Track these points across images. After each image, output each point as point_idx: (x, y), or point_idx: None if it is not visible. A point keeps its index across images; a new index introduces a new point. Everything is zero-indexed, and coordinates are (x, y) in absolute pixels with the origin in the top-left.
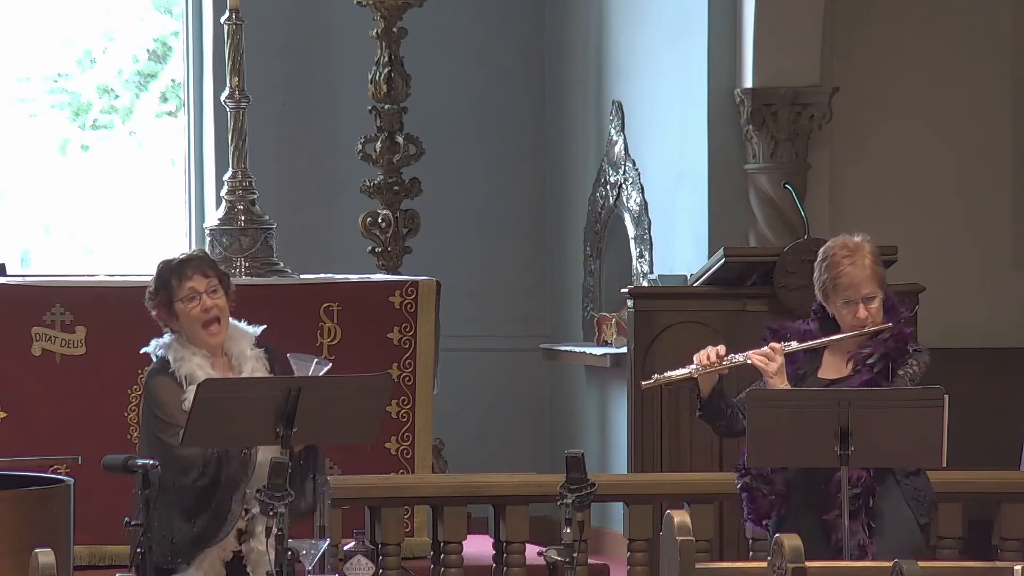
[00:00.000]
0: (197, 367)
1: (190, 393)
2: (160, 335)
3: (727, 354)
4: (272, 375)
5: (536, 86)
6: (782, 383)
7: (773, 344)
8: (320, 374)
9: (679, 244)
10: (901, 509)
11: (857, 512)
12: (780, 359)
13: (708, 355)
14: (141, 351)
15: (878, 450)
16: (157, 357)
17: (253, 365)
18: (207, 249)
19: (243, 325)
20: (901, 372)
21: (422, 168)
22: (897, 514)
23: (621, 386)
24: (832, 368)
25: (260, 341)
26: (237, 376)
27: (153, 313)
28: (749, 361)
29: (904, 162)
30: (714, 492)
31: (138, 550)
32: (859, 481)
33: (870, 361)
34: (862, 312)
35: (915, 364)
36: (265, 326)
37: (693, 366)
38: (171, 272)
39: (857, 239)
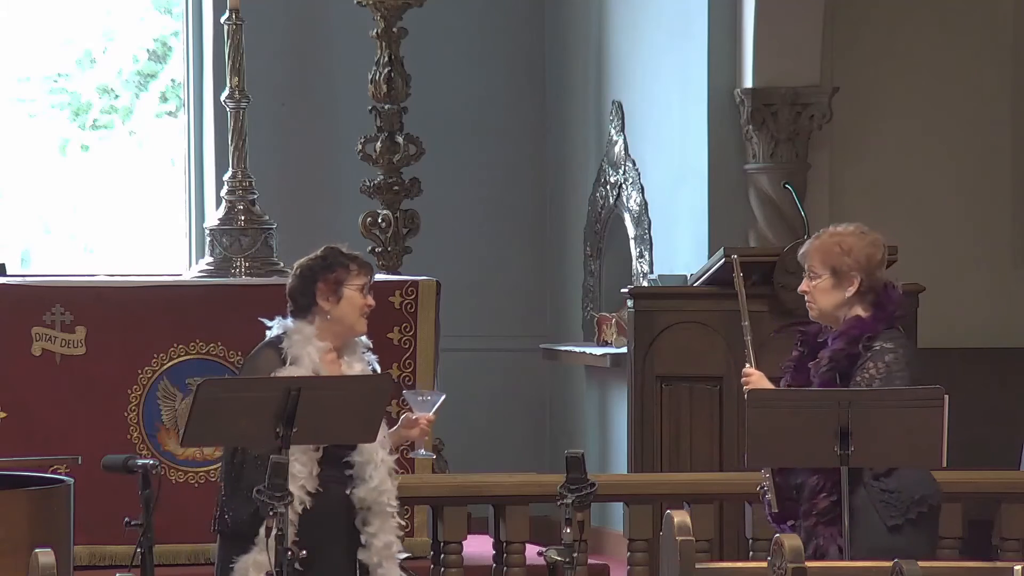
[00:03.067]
0: (307, 354)
1: (290, 372)
2: (164, 336)
3: None
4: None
5: (536, 86)
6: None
7: (744, 372)
8: (437, 405)
9: (679, 244)
10: (867, 512)
11: (832, 520)
12: (755, 372)
13: None
14: (266, 330)
15: (878, 450)
16: (274, 333)
17: (362, 367)
18: (207, 249)
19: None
20: (858, 379)
21: (422, 168)
22: (863, 517)
23: (621, 386)
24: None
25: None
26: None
27: (317, 285)
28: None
29: (904, 162)
30: (714, 492)
31: (138, 550)
32: (831, 487)
33: (820, 366)
34: (803, 285)
35: (872, 367)
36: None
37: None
38: (352, 258)
39: (849, 226)
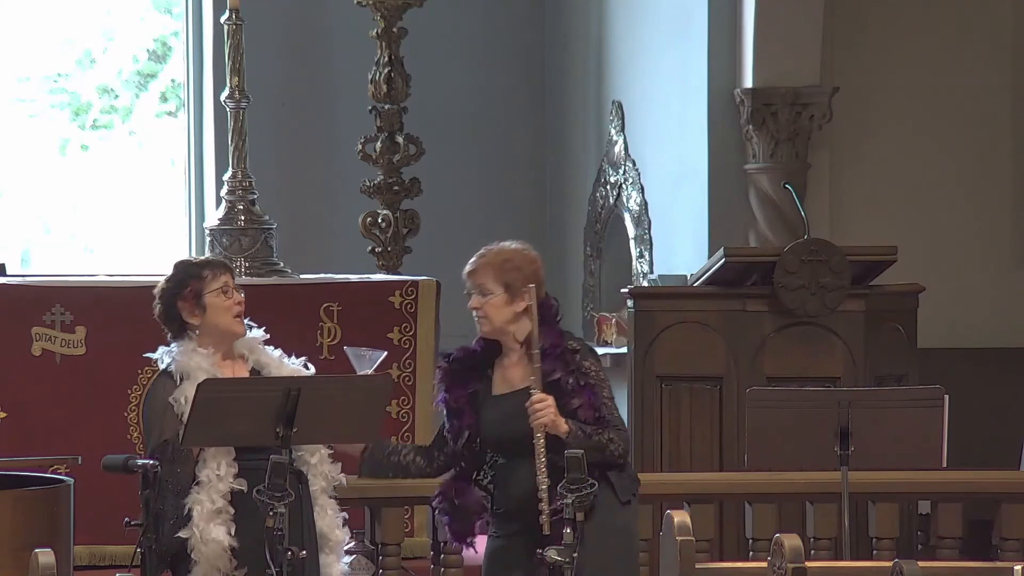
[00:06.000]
0: (196, 366)
1: (186, 388)
2: (164, 336)
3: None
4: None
5: (536, 86)
6: (563, 423)
7: (534, 399)
8: (378, 362)
9: (679, 244)
10: (604, 492)
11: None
12: (548, 397)
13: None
14: (145, 355)
15: (878, 450)
16: (163, 363)
17: (266, 361)
18: (207, 249)
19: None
20: (582, 383)
21: (422, 168)
22: (601, 498)
23: (621, 386)
24: (502, 383)
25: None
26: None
27: (178, 305)
28: (540, 433)
29: (904, 162)
30: (714, 492)
31: (138, 550)
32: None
33: (554, 378)
34: (473, 301)
35: (588, 365)
36: (264, 328)
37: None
38: (203, 266)
39: (514, 244)
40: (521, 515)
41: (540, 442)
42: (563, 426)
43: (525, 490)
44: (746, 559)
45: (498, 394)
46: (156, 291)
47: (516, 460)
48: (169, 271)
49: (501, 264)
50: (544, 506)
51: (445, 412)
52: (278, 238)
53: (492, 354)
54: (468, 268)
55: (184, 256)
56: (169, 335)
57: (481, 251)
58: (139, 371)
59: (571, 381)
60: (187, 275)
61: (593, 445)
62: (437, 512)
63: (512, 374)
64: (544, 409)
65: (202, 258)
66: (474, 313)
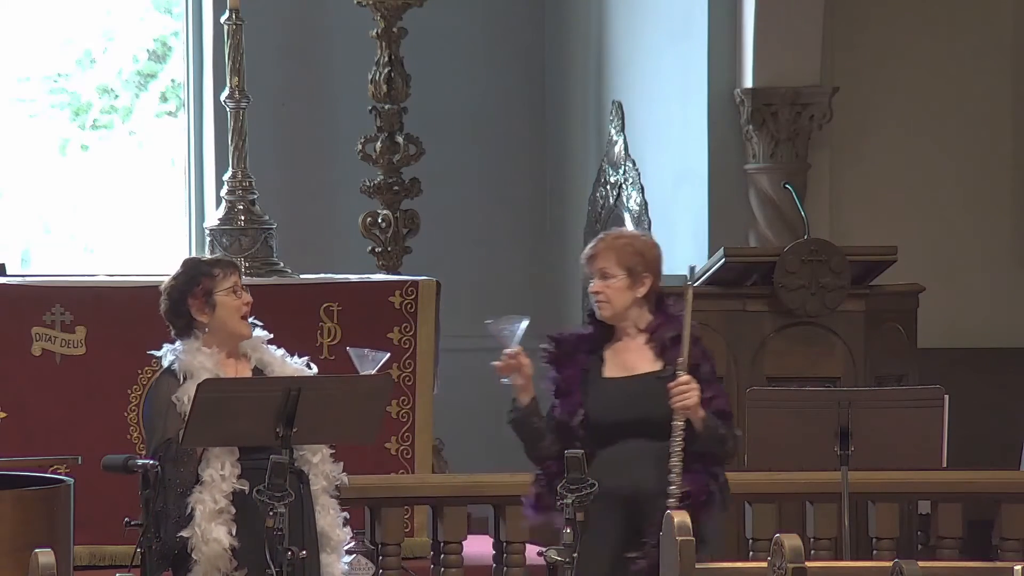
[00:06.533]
0: (200, 365)
1: (189, 387)
2: (164, 336)
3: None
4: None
5: (536, 86)
6: (701, 410)
7: (680, 380)
8: (380, 363)
9: (679, 244)
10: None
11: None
12: (695, 386)
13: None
14: (149, 352)
15: (878, 450)
16: (168, 361)
17: (269, 359)
18: (207, 249)
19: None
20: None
21: (422, 168)
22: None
23: None
24: (617, 367)
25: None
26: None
27: (188, 302)
28: (681, 416)
29: (904, 162)
30: None
31: (138, 550)
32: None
33: (703, 373)
34: (595, 285)
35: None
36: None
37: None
38: (213, 264)
39: (634, 230)
40: (617, 506)
41: (679, 425)
42: (701, 412)
43: (619, 482)
44: (746, 559)
45: (610, 376)
46: (164, 287)
47: (607, 446)
48: (178, 268)
49: (623, 248)
50: (675, 489)
51: (554, 392)
52: (278, 238)
53: (603, 339)
54: (588, 252)
55: (187, 255)
56: (174, 332)
57: (600, 235)
58: (139, 371)
59: (708, 371)
60: (198, 272)
61: (718, 438)
62: (536, 482)
63: (629, 359)
64: (691, 393)
65: (212, 256)
66: (592, 297)
